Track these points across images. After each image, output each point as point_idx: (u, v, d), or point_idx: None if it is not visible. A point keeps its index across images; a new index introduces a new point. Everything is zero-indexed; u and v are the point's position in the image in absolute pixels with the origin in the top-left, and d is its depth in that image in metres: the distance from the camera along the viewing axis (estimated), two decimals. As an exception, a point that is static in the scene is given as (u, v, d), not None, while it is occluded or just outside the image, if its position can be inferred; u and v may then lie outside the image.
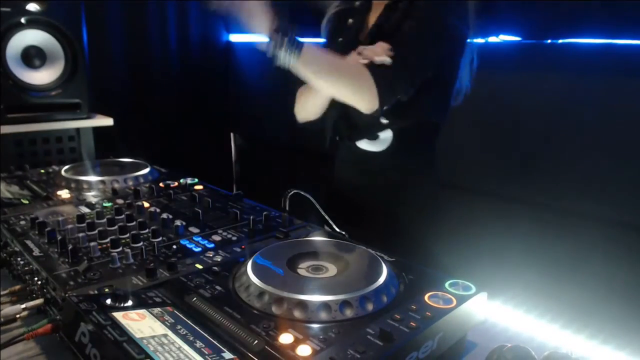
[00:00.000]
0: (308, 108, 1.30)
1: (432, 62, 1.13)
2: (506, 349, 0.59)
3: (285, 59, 1.02)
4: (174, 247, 0.88)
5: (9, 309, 0.72)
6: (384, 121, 1.20)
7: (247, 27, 1.03)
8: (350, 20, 1.29)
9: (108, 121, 2.14)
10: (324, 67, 1.08)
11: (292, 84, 1.30)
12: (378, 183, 1.28)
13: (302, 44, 1.03)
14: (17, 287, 0.82)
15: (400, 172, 1.26)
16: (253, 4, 1.02)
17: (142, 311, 0.64)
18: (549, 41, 1.75)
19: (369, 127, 1.23)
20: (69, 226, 0.92)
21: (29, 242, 0.87)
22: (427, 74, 1.13)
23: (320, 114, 1.30)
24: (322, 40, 1.37)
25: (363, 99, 1.08)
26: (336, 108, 1.25)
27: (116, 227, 0.93)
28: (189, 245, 0.88)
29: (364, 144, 1.26)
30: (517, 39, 1.83)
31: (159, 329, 0.60)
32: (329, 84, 1.10)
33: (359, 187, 1.31)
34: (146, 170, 1.32)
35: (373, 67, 1.08)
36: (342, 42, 1.27)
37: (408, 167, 1.26)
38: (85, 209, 1.05)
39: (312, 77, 1.08)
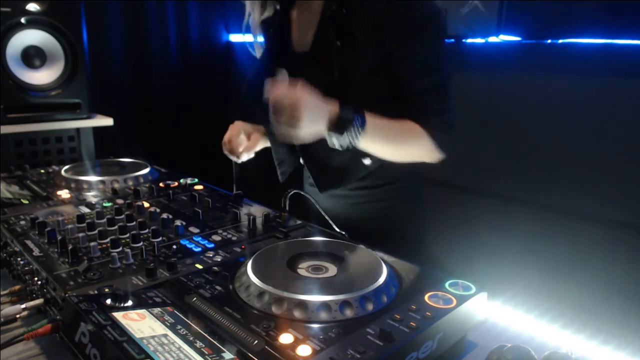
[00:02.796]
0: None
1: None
2: (506, 349, 0.59)
3: (350, 141, 0.94)
4: (174, 247, 0.88)
5: (9, 309, 0.72)
6: (367, 162, 1.11)
7: (313, 132, 0.91)
8: (271, 31, 1.16)
9: (108, 121, 2.14)
10: (386, 140, 1.00)
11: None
12: (376, 183, 1.26)
13: (364, 122, 0.93)
14: (17, 287, 0.82)
15: (390, 174, 1.18)
16: (311, 109, 0.88)
17: (142, 311, 0.64)
18: (549, 41, 1.75)
19: (349, 173, 1.13)
20: (69, 226, 0.92)
21: (29, 242, 0.87)
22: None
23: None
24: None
25: (427, 158, 1.04)
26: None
27: (116, 227, 0.93)
28: (189, 245, 0.88)
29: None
30: (517, 39, 1.83)
31: (159, 329, 0.60)
32: (391, 154, 1.04)
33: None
34: (146, 170, 1.32)
35: (425, 120, 1.00)
36: (271, 57, 1.16)
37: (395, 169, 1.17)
38: (85, 209, 1.05)
39: (375, 151, 1.02)
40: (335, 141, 0.94)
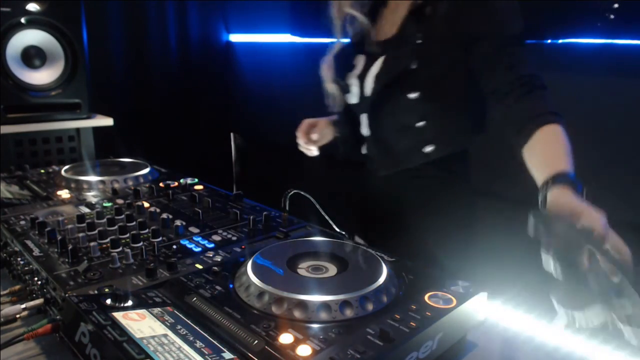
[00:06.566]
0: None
1: None
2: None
3: None
4: (174, 247, 0.88)
5: (9, 309, 0.72)
6: (428, 149, 1.11)
7: None
8: (364, 19, 1.21)
9: (108, 121, 2.14)
10: None
11: (292, 87, 1.26)
12: (378, 184, 1.27)
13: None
14: (17, 287, 0.82)
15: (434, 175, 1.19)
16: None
17: (142, 311, 0.64)
18: (549, 41, 1.75)
19: (409, 158, 1.14)
20: (69, 226, 0.92)
21: (29, 242, 0.87)
22: None
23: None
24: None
25: None
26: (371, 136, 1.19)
27: (116, 227, 0.93)
28: (189, 245, 0.88)
29: None
30: (517, 39, 1.83)
31: (159, 329, 0.60)
32: None
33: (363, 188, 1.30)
34: (146, 170, 1.32)
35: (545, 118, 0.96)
36: (353, 45, 1.22)
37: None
38: (85, 209, 1.05)
39: None
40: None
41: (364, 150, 1.24)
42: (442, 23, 1.03)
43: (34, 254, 0.82)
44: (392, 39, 1.12)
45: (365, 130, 1.20)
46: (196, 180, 1.32)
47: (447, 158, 1.14)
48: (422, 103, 1.06)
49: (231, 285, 0.72)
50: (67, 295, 0.67)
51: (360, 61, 1.18)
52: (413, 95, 1.06)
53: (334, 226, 1.00)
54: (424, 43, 1.05)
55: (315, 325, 0.61)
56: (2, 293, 0.80)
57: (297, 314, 0.63)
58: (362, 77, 1.17)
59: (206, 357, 0.55)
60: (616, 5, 1.58)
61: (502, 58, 1.01)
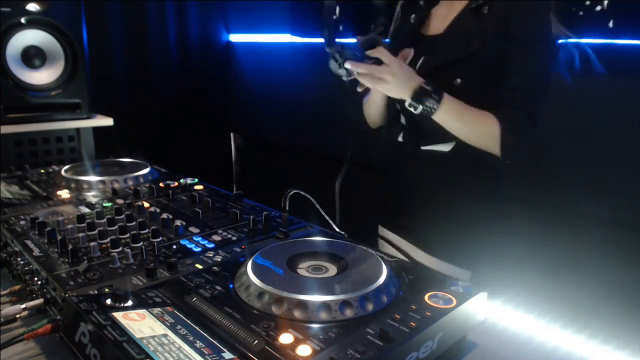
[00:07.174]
0: (372, 116, 1.32)
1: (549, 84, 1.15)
2: None
3: (426, 112, 1.09)
4: (174, 247, 0.88)
5: (9, 309, 0.72)
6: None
7: (391, 93, 1.09)
8: (413, 16, 1.27)
9: (108, 121, 2.14)
10: (460, 121, 1.12)
11: (292, 87, 1.27)
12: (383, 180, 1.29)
13: (441, 98, 1.08)
14: (17, 287, 0.82)
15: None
16: (404, 75, 1.07)
17: (142, 311, 0.64)
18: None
19: (434, 136, 1.20)
20: (69, 226, 0.92)
21: (29, 242, 0.87)
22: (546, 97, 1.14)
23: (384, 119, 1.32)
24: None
25: (492, 149, 1.13)
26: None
27: (116, 227, 0.93)
28: (189, 245, 0.88)
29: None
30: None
31: (159, 329, 0.60)
32: (462, 135, 1.13)
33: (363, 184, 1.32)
34: (146, 170, 1.32)
35: (504, 119, 1.09)
36: (402, 37, 1.27)
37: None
38: (85, 209, 1.05)
39: (447, 126, 1.12)
40: (412, 107, 1.09)
41: (400, 138, 1.27)
42: (496, 23, 1.10)
43: (34, 254, 0.82)
44: (444, 33, 1.18)
45: (403, 118, 1.25)
46: (196, 180, 1.32)
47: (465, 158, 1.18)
48: (462, 90, 1.12)
49: (231, 285, 0.72)
50: (67, 295, 0.67)
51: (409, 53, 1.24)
52: (457, 82, 1.13)
53: (334, 226, 1.00)
54: (476, 38, 1.11)
55: (315, 325, 0.61)
56: (2, 293, 0.80)
57: (297, 314, 0.63)
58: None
59: (206, 357, 0.55)
60: (599, 8, 1.60)
61: (526, 82, 1.10)
